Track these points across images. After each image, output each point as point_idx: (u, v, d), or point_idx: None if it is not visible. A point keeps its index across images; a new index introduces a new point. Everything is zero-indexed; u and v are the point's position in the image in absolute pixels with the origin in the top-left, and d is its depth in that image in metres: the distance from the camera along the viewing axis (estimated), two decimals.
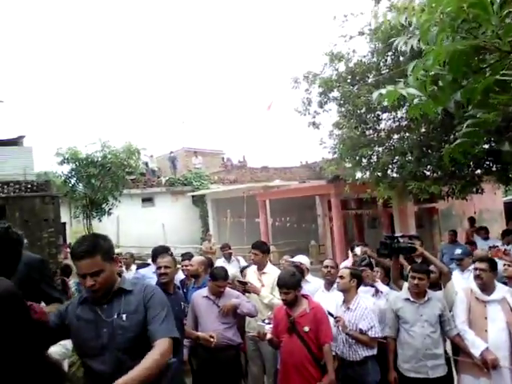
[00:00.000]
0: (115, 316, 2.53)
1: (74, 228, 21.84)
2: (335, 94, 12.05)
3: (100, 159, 14.70)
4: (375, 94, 2.61)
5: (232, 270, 5.68)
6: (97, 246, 2.51)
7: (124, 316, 2.53)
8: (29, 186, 18.72)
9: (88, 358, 2.54)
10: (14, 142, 21.92)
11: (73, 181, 15.48)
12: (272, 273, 5.28)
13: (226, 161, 29.62)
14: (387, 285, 5.24)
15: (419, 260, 5.29)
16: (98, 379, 2.46)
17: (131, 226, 20.16)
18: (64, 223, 18.75)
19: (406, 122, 11.65)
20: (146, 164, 22.82)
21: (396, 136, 11.82)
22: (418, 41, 2.48)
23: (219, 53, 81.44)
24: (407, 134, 11.43)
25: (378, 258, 5.64)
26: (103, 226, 16.23)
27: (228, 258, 8.80)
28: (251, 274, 5.55)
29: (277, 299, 4.86)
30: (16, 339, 1.35)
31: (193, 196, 22.80)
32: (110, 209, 15.67)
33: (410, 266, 4.71)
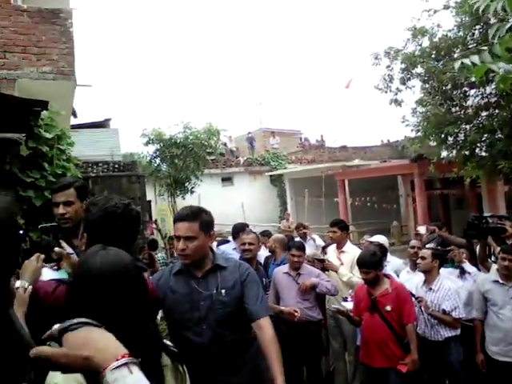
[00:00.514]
0: (214, 290, 2.62)
1: (159, 205, 22.77)
2: (418, 70, 11.55)
3: (182, 140, 15.12)
4: (457, 64, 2.49)
5: (308, 249, 5.71)
6: (198, 215, 2.62)
7: (223, 291, 2.62)
8: (116, 165, 19.71)
9: (184, 330, 2.62)
10: (102, 125, 23.11)
11: (157, 161, 16.07)
12: (351, 251, 5.25)
13: (303, 141, 29.46)
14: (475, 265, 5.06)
15: (510, 241, 5.03)
16: (194, 350, 2.54)
17: (212, 204, 20.58)
18: (149, 201, 19.61)
19: (495, 99, 10.97)
20: (225, 144, 23.24)
21: (484, 113, 11.18)
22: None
23: (298, 31, 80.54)
24: (496, 111, 10.78)
25: (449, 237, 5.46)
26: (185, 204, 16.78)
27: (303, 237, 8.81)
28: (331, 253, 5.55)
29: (356, 278, 4.84)
30: (137, 312, 1.47)
31: (270, 176, 22.96)
32: (192, 187, 16.14)
33: (499, 248, 4.49)
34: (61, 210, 2.70)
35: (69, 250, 2.28)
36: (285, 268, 5.03)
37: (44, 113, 5.48)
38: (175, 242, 2.71)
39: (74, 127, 16.31)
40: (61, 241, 2.28)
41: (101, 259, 1.45)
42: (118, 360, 0.98)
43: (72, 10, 7.25)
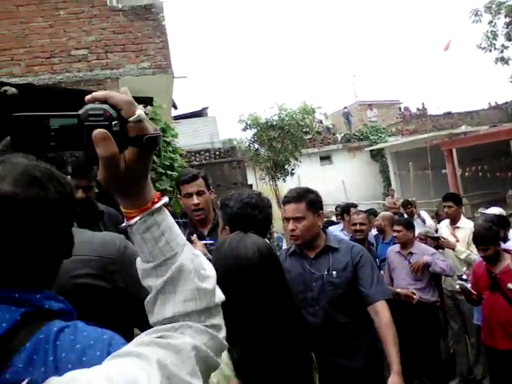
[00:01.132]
0: (325, 272, 2.63)
1: (260, 189, 23.07)
2: None
3: (278, 122, 15.12)
4: None
5: (417, 228, 5.39)
6: (304, 195, 2.66)
7: (334, 273, 2.62)
8: (217, 152, 20.28)
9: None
10: (200, 114, 23.83)
11: (256, 145, 16.23)
12: (467, 227, 4.91)
13: (403, 110, 28.18)
14: None
15: None
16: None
17: (311, 184, 20.48)
18: (250, 185, 19.96)
19: None
20: (321, 122, 22.87)
21: None
22: None
23: None
24: None
25: None
26: (286, 186, 16.85)
27: (411, 215, 8.35)
28: (444, 229, 5.22)
29: (474, 255, 4.50)
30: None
31: (371, 151, 22.25)
32: (292, 169, 16.14)
33: None
34: (195, 200, 2.81)
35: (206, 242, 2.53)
36: (397, 247, 4.81)
37: (148, 108, 5.70)
38: (285, 224, 2.76)
39: (175, 118, 16.94)
40: (192, 237, 2.43)
41: (248, 242, 1.63)
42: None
43: (163, 4, 7.43)
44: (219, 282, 1.63)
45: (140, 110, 0.80)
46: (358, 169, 22.10)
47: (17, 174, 0.91)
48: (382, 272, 4.72)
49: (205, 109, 23.66)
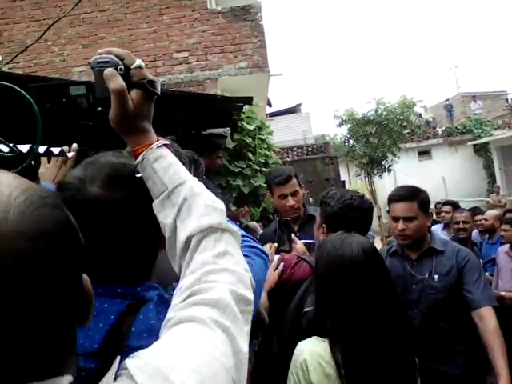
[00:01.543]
0: (426, 275, 2.53)
1: (353, 185, 22.69)
2: None
3: (376, 117, 14.75)
4: None
5: None
6: (415, 194, 2.57)
7: (436, 277, 2.51)
8: (309, 149, 20.22)
9: None
10: (293, 110, 23.91)
11: (351, 141, 15.98)
12: None
13: (510, 102, 26.26)
14: None
15: None
16: None
17: (408, 180, 19.76)
18: (343, 181, 19.69)
19: None
20: (420, 115, 21.96)
21: None
22: None
23: None
24: None
25: None
26: (382, 182, 16.42)
27: None
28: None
29: None
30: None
31: (474, 145, 20.98)
32: (389, 165, 15.68)
33: None
34: (291, 201, 2.83)
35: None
36: (506, 247, 4.52)
37: (246, 106, 5.82)
38: (391, 223, 2.65)
39: (270, 115, 17.13)
40: (293, 236, 2.44)
41: (352, 241, 1.65)
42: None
43: (261, 4, 7.54)
44: (323, 280, 1.68)
45: (139, 60, 0.94)
46: (459, 164, 20.94)
47: (104, 176, 0.96)
48: (486, 274, 4.46)
49: (298, 105, 23.72)
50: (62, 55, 7.58)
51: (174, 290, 0.84)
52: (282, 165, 7.02)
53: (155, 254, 1.05)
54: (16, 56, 3.66)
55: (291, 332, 1.89)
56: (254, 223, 6.32)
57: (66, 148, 1.61)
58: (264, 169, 5.95)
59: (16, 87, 0.99)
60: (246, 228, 5.94)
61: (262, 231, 6.04)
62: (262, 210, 6.07)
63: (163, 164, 0.92)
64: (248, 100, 5.04)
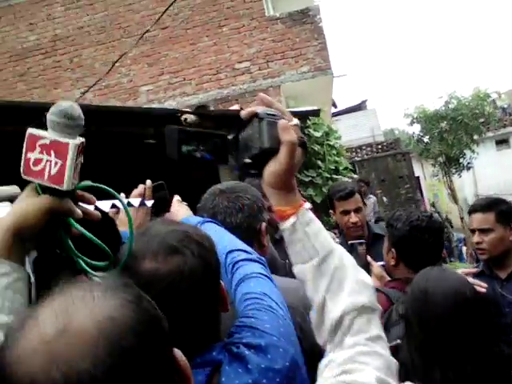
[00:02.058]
0: None
1: (429, 181, 21.83)
2: None
3: (449, 112, 14.08)
4: None
5: None
6: (493, 205, 2.40)
7: None
8: (379, 146, 19.67)
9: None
10: (359, 107, 23.35)
11: (425, 139, 15.37)
12: None
13: None
14: None
15: None
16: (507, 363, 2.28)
17: (486, 172, 18.78)
18: (417, 177, 18.97)
19: None
20: (494, 101, 20.74)
21: None
22: None
23: None
24: None
25: None
26: (460, 180, 15.69)
27: None
28: None
29: None
30: None
31: None
32: (468, 163, 14.91)
33: None
34: (353, 218, 2.69)
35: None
36: None
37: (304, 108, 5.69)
38: (471, 236, 2.47)
39: (334, 115, 16.83)
40: (369, 258, 2.30)
41: (445, 288, 1.51)
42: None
43: (319, 6, 7.38)
44: (418, 331, 1.53)
45: (295, 119, 0.93)
46: None
47: (155, 248, 0.93)
48: None
49: (364, 102, 23.16)
50: (128, 75, 7.79)
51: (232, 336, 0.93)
52: (353, 170, 6.83)
53: (218, 315, 1.03)
54: (93, 85, 3.75)
55: None
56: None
57: (142, 188, 1.59)
58: (335, 176, 5.80)
59: (108, 188, 0.96)
60: None
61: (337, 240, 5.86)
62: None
63: (314, 228, 0.91)
64: (315, 112, 4.90)
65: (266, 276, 1.18)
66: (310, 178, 5.54)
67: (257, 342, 0.95)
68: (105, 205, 1.11)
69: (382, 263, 2.43)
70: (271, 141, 0.87)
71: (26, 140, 0.87)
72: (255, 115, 0.88)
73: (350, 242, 2.37)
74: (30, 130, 0.87)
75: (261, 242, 1.57)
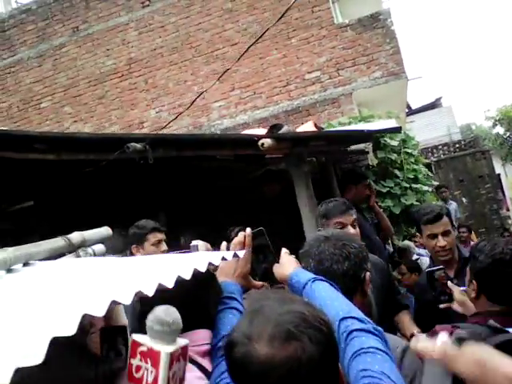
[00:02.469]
0: None
1: (510, 179, 20.64)
2: None
3: None
4: None
5: None
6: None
7: None
8: (457, 145, 18.83)
9: None
10: (433, 105, 22.50)
11: (510, 142, 14.63)
12: None
13: None
14: None
15: None
16: None
17: None
18: (498, 174, 17.99)
19: None
20: None
21: None
22: None
23: None
24: None
25: None
26: None
27: None
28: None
29: None
30: None
31: None
32: None
33: None
34: (441, 241, 2.58)
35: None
36: None
37: (384, 122, 5.53)
38: None
39: (406, 115, 16.33)
40: (449, 283, 2.18)
41: None
42: None
43: (389, 9, 7.19)
44: None
45: None
46: None
47: (271, 332, 0.91)
48: None
49: (438, 99, 22.28)
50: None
51: None
52: (432, 177, 6.55)
53: None
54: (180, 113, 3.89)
55: None
56: (406, 242, 5.95)
57: (242, 236, 1.59)
58: (414, 185, 5.58)
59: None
60: (399, 249, 5.61)
61: (416, 256, 5.63)
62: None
63: None
64: (397, 130, 4.74)
65: (383, 352, 1.12)
66: (388, 189, 5.36)
67: None
68: (215, 257, 1.12)
69: (464, 288, 2.32)
70: None
71: (129, 346, 0.92)
72: None
73: (427, 270, 2.26)
74: (134, 337, 0.90)
75: (364, 291, 1.54)
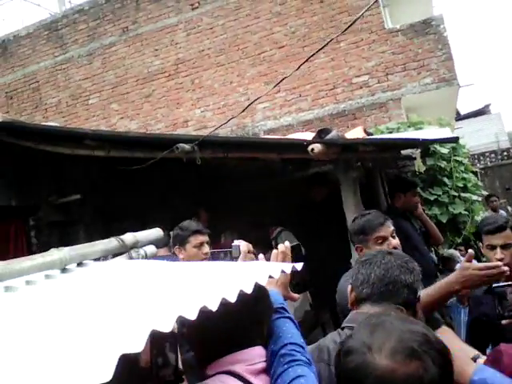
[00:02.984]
0: None
1: None
2: None
3: None
4: None
5: None
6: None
7: None
8: (504, 153, 18.23)
9: None
10: (482, 112, 21.85)
11: None
12: None
13: None
14: None
15: None
16: None
17: None
18: None
19: None
20: None
21: None
22: None
23: None
24: None
25: None
26: None
27: None
28: None
29: None
30: None
31: None
32: None
33: None
34: (499, 254, 2.46)
35: None
36: None
37: (437, 130, 5.38)
38: None
39: (456, 120, 15.90)
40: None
41: None
42: None
43: (442, 15, 6.99)
44: None
45: None
46: None
47: (393, 346, 0.88)
48: None
49: (487, 106, 21.64)
50: (246, 94, 7.97)
51: None
52: (482, 187, 6.33)
53: None
54: (228, 121, 3.93)
55: None
56: (451, 251, 5.77)
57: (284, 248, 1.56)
58: (463, 194, 5.40)
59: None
60: (442, 258, 5.44)
61: (459, 265, 5.45)
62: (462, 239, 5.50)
63: None
64: (454, 140, 4.60)
65: None
66: (436, 197, 5.21)
67: None
68: (275, 269, 1.09)
69: None
70: None
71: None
72: None
73: (493, 286, 2.15)
74: None
75: (416, 310, 1.50)
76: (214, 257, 2.20)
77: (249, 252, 2.21)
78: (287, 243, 1.61)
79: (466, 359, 1.47)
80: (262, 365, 1.25)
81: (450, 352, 0.95)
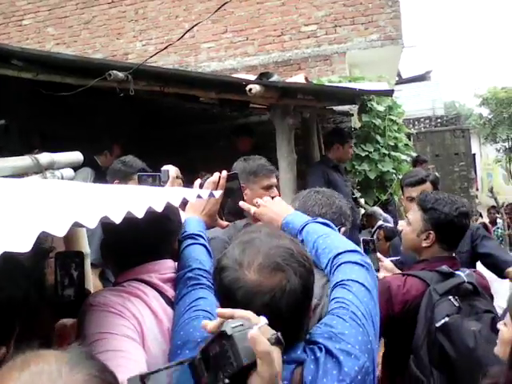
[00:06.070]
0: None
1: (484, 159, 20.99)
2: None
3: None
4: None
5: None
6: None
7: None
8: (438, 120, 18.93)
9: None
10: (422, 78, 22.40)
11: (493, 122, 14.72)
12: None
13: None
14: None
15: None
16: None
17: None
18: (474, 154, 18.26)
19: None
20: None
21: None
22: None
23: None
24: None
25: None
26: None
27: None
28: None
29: None
30: None
31: None
32: None
33: None
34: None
35: None
36: None
37: (375, 84, 5.46)
38: None
39: (395, 84, 16.21)
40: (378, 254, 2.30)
41: None
42: None
43: None
44: None
45: (263, 318, 0.87)
46: None
47: (261, 262, 1.00)
48: None
49: (428, 72, 22.17)
50: (191, 31, 7.66)
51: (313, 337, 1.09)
52: (412, 148, 6.57)
53: (305, 322, 1.11)
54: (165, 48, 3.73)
55: (429, 352, 1.88)
56: (374, 208, 6.00)
57: (217, 177, 1.61)
58: (393, 153, 5.59)
59: None
60: (366, 214, 5.66)
61: (380, 222, 5.72)
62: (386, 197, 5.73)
63: None
64: (389, 93, 4.68)
65: (360, 284, 1.23)
66: (367, 153, 5.36)
67: (333, 346, 1.04)
68: (191, 194, 1.13)
69: (394, 258, 2.57)
70: (248, 355, 0.79)
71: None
72: (221, 334, 0.82)
73: (362, 238, 2.31)
74: None
75: None
76: (142, 181, 2.18)
77: (177, 177, 2.24)
78: (224, 172, 1.64)
79: (287, 209, 1.63)
80: (172, 275, 1.35)
81: (311, 263, 1.09)
